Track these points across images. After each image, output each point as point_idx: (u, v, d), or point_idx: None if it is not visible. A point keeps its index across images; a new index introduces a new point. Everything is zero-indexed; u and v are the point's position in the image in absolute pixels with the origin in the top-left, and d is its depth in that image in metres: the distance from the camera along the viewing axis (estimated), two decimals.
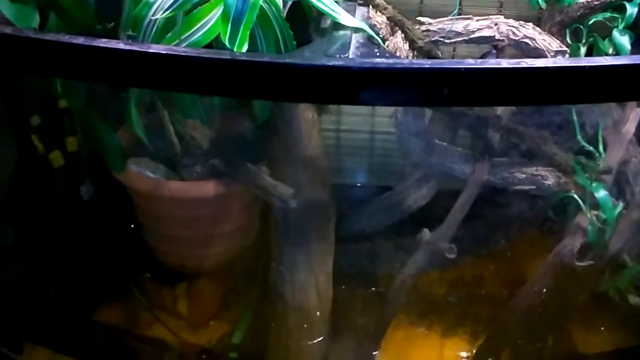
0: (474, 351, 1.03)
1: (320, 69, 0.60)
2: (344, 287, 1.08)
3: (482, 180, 0.93)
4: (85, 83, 0.91)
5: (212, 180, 1.03)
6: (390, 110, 1.13)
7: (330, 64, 0.60)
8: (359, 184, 1.28)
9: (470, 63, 0.59)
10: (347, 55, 0.70)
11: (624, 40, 0.79)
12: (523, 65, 0.59)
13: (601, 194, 0.84)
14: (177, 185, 1.03)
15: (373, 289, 1.12)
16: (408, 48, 0.82)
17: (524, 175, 0.92)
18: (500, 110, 0.91)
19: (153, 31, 0.73)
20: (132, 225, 1.15)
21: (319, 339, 1.02)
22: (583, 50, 0.80)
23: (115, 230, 1.17)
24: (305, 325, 1.01)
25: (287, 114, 0.98)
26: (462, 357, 1.05)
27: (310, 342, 1.02)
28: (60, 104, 1.05)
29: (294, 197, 0.94)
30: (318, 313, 1.01)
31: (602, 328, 1.05)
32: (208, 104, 0.94)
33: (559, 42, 0.84)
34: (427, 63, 0.59)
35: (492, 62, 0.59)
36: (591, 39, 0.81)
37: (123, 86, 0.81)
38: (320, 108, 1.05)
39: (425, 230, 0.97)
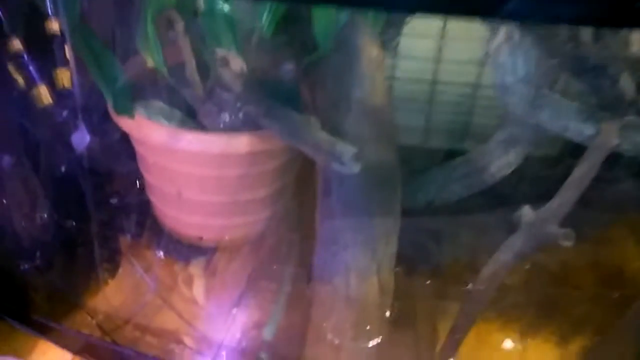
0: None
1: None
2: (408, 276, 0.87)
3: (611, 145, 0.70)
4: None
5: (244, 132, 0.82)
6: (461, 56, 0.99)
7: None
8: (422, 146, 1.07)
9: None
10: None
11: None
12: None
13: None
14: (199, 138, 0.82)
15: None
16: None
17: None
18: (638, 47, 0.68)
19: None
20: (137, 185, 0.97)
21: (377, 341, 0.81)
22: None
23: (114, 190, 1.00)
24: (361, 323, 0.81)
25: (348, 49, 0.77)
26: None
27: (365, 345, 0.81)
28: (50, 25, 0.85)
29: (356, 158, 0.71)
30: (378, 308, 0.80)
31: None
32: (248, 28, 0.70)
33: None
34: None
35: None
36: None
37: None
38: (387, 44, 0.84)
39: (526, 208, 0.75)
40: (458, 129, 1.11)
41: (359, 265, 0.79)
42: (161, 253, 0.96)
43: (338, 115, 0.80)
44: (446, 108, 1.09)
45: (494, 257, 0.78)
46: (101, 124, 0.88)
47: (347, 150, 0.73)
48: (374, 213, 0.80)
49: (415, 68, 1.05)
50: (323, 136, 0.76)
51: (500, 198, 0.91)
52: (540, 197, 0.95)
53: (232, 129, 0.83)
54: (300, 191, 0.97)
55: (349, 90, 0.78)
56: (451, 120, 1.11)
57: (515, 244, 0.77)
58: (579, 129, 0.76)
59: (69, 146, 0.87)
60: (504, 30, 0.74)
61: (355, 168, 0.73)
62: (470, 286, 0.79)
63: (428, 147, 1.12)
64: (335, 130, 0.78)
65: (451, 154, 0.99)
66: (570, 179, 0.74)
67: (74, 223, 0.94)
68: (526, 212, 0.76)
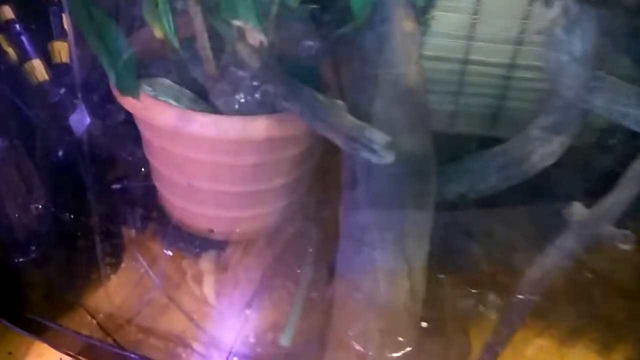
0: None
1: None
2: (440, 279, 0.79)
3: None
4: None
5: (262, 116, 0.75)
6: (496, 33, 0.90)
7: None
8: (447, 131, 0.98)
9: None
10: None
11: None
12: None
13: None
14: (211, 121, 0.74)
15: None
16: None
17: None
18: None
19: None
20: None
21: (407, 350, 0.74)
22: None
23: (116, 178, 0.94)
24: (390, 330, 0.73)
25: (380, 23, 0.69)
26: None
27: (394, 354, 0.74)
28: None
29: (389, 147, 0.63)
30: (409, 314, 0.73)
31: None
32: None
33: None
34: None
35: None
36: None
37: None
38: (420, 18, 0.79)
39: (578, 205, 0.67)
40: (487, 113, 1.03)
41: (388, 267, 0.72)
42: (168, 247, 0.90)
43: (367, 98, 0.72)
44: (476, 90, 1.01)
45: (540, 261, 0.71)
46: (103, 104, 0.82)
47: (379, 137, 0.65)
48: (406, 208, 0.72)
49: (444, 45, 0.97)
50: (352, 121, 0.68)
51: (535, 191, 0.83)
52: (580, 189, 0.89)
53: (248, 111, 0.76)
54: (320, 180, 0.91)
55: (379, 69, 0.71)
56: (480, 103, 1.03)
57: (564, 245, 0.70)
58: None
59: (67, 129, 0.80)
60: (559, 4, 0.66)
61: (389, 158, 0.65)
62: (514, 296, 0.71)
63: (454, 132, 1.04)
64: (363, 114, 0.71)
65: (480, 141, 0.93)
66: (629, 173, 0.67)
67: (72, 213, 0.88)
68: (577, 210, 0.69)
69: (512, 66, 0.96)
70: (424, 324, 0.75)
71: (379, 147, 0.66)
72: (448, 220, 0.84)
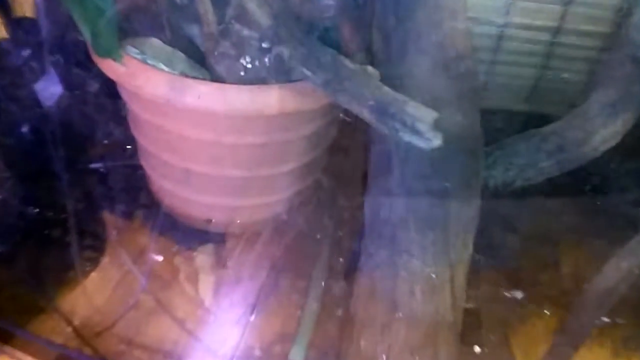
0: None
1: None
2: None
3: None
4: None
5: (273, 85, 0.65)
6: None
7: None
8: (494, 109, 0.88)
9: None
10: None
11: None
12: None
13: None
14: (212, 90, 0.65)
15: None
16: None
17: None
18: None
19: None
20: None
21: None
22: None
23: (95, 159, 0.87)
24: (426, 346, 0.62)
25: None
26: None
27: None
28: None
29: (436, 127, 0.52)
30: (448, 328, 0.63)
31: None
32: None
33: None
34: None
35: None
36: None
37: None
38: None
39: None
40: (523, 85, 0.93)
41: (427, 272, 0.62)
42: (157, 239, 0.82)
43: (404, 65, 0.62)
44: (513, 58, 0.91)
45: (611, 265, 0.60)
46: (77, 70, 0.73)
47: (426, 114, 0.54)
48: (450, 199, 0.62)
49: (483, 6, 0.86)
50: (389, 93, 0.57)
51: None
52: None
53: (255, 79, 0.66)
54: (337, 163, 0.83)
55: (420, 29, 0.61)
56: (515, 74, 0.93)
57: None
58: None
59: (33, 99, 0.72)
60: None
61: (436, 141, 0.54)
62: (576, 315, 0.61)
63: (487, 107, 0.95)
64: (400, 85, 0.60)
65: (520, 118, 0.86)
66: None
67: (43, 201, 0.80)
68: None
69: (558, 30, 0.85)
70: (477, 350, 0.64)
71: (425, 127, 0.54)
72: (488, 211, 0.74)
